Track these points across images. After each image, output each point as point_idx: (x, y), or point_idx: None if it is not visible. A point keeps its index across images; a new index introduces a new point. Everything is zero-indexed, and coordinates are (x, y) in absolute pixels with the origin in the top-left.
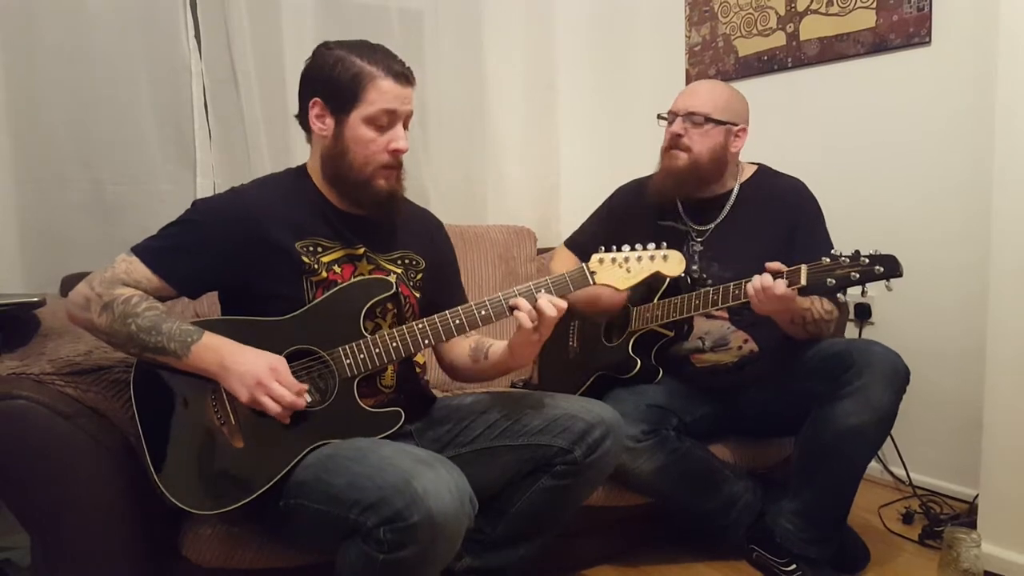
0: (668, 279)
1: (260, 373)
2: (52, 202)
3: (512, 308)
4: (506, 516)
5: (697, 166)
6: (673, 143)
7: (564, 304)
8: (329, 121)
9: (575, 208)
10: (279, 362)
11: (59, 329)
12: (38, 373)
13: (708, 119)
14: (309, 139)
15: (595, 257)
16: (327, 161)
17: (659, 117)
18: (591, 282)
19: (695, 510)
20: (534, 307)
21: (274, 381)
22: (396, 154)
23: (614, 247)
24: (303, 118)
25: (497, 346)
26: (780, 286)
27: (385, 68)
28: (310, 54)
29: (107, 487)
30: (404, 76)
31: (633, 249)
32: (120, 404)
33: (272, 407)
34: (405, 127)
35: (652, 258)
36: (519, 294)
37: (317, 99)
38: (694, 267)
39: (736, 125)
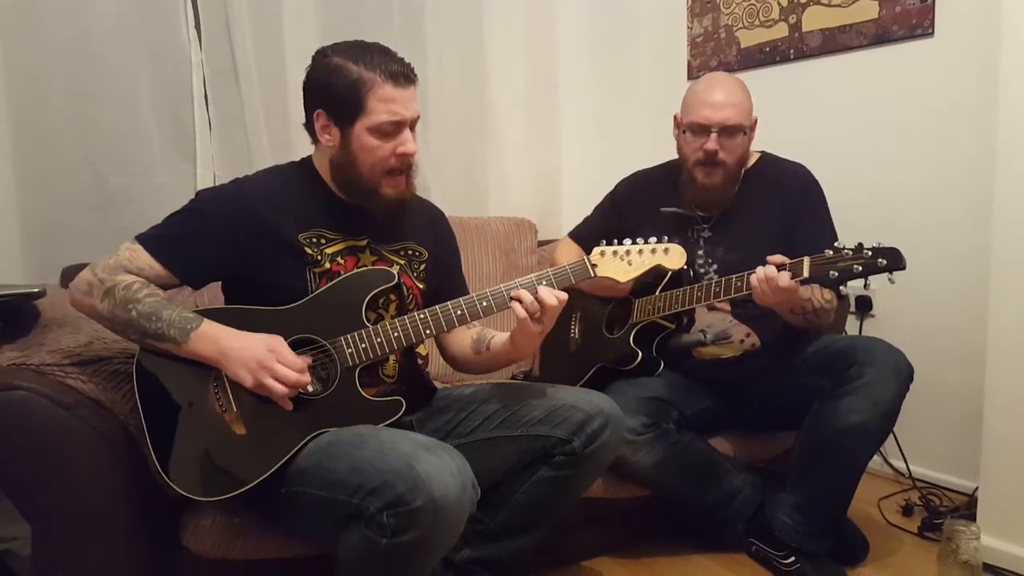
0: (670, 272)
1: (260, 355)
2: (52, 193)
3: (514, 300)
4: (506, 507)
5: (733, 174)
6: (709, 159)
7: (565, 296)
8: (335, 132)
9: (576, 200)
10: (276, 341)
11: (59, 320)
12: (38, 364)
13: (742, 129)
14: (314, 142)
15: (596, 250)
16: (337, 169)
17: (684, 130)
18: (592, 274)
19: (695, 503)
20: (536, 298)
21: (275, 361)
22: (403, 158)
23: (615, 240)
24: (309, 127)
25: (499, 337)
26: (784, 278)
27: (383, 72)
28: (310, 51)
29: (108, 478)
30: (404, 76)
31: (635, 242)
32: (120, 395)
33: (277, 388)
34: (412, 129)
35: (653, 251)
36: (520, 286)
37: (320, 111)
38: (700, 252)
39: (751, 124)
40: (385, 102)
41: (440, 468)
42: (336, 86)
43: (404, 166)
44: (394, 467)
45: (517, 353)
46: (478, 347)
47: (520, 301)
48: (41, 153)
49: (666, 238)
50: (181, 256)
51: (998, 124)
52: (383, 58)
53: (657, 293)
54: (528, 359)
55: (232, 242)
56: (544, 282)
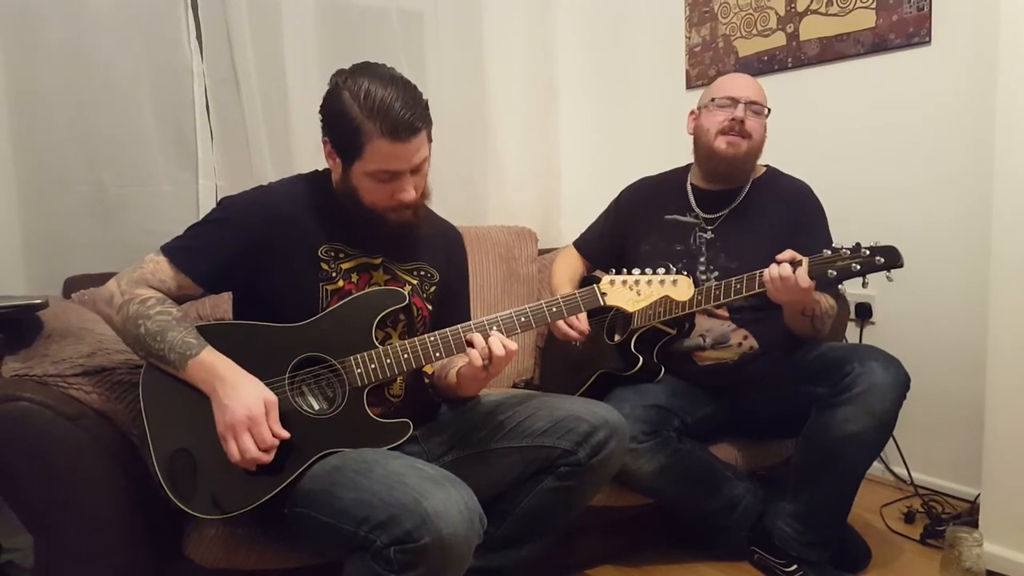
0: (682, 303)
1: (237, 419)
2: (54, 204)
3: (469, 343)
4: (510, 517)
5: (754, 154)
6: (736, 127)
7: (514, 347)
8: (338, 162)
9: (576, 209)
10: (259, 409)
11: (62, 331)
12: (41, 375)
13: (765, 110)
14: None
15: (606, 279)
16: (340, 194)
17: (711, 101)
18: (602, 303)
19: (696, 511)
20: (486, 344)
21: (245, 431)
22: (401, 203)
23: (624, 270)
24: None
25: (456, 370)
26: (804, 277)
27: (383, 126)
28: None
29: (110, 488)
30: (407, 128)
31: (644, 272)
32: (123, 405)
33: (234, 455)
34: (417, 172)
35: (662, 282)
36: (475, 329)
37: (327, 139)
38: (701, 259)
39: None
40: (382, 156)
41: (448, 505)
42: (339, 127)
43: (406, 206)
44: (402, 501)
45: (461, 391)
46: (440, 372)
47: (472, 345)
48: (43, 164)
49: (674, 269)
50: (204, 266)
51: (995, 131)
52: (390, 107)
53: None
54: (528, 368)
55: (253, 251)
56: (554, 309)
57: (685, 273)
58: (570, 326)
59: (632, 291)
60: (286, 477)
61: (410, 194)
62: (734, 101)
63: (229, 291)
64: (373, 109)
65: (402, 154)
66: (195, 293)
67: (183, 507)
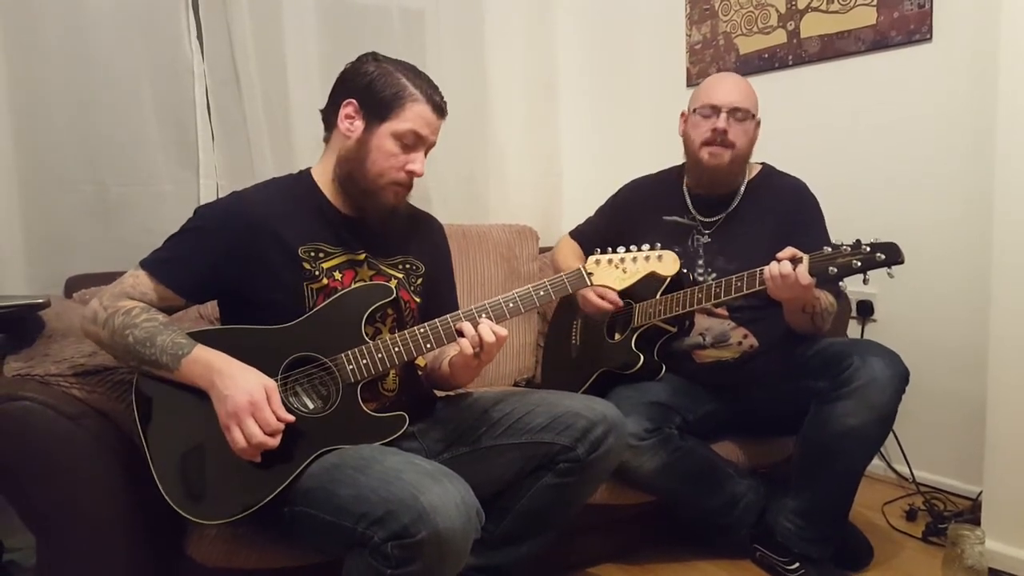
0: (668, 278)
1: (239, 405)
2: (55, 204)
3: (459, 332)
4: (509, 514)
5: (739, 162)
6: (719, 138)
7: (504, 332)
8: (359, 124)
9: (577, 206)
10: (260, 394)
11: (63, 330)
12: (43, 374)
13: (751, 115)
14: (327, 137)
15: (591, 259)
16: (343, 163)
17: (694, 111)
18: (588, 283)
19: (698, 509)
20: (476, 332)
21: (249, 416)
22: (411, 175)
23: (610, 248)
24: (329, 114)
25: (448, 360)
26: (804, 274)
27: (426, 95)
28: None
29: (111, 487)
30: (440, 108)
31: (628, 250)
32: (125, 405)
33: (239, 442)
34: (425, 154)
35: (647, 258)
36: (464, 317)
37: (352, 100)
38: (700, 261)
39: (758, 118)
40: (419, 117)
41: (445, 499)
42: (379, 85)
43: (408, 182)
44: (399, 497)
45: (455, 380)
46: (434, 363)
47: (462, 334)
48: (44, 164)
49: (659, 245)
50: (183, 276)
51: (997, 128)
52: (430, 86)
53: (658, 297)
54: (529, 366)
55: (231, 257)
56: (541, 292)
57: (677, 251)
58: (601, 297)
59: (618, 269)
60: (285, 477)
61: (421, 167)
62: (716, 110)
63: (213, 300)
64: (419, 83)
65: (433, 126)
66: (179, 304)
67: (185, 514)
